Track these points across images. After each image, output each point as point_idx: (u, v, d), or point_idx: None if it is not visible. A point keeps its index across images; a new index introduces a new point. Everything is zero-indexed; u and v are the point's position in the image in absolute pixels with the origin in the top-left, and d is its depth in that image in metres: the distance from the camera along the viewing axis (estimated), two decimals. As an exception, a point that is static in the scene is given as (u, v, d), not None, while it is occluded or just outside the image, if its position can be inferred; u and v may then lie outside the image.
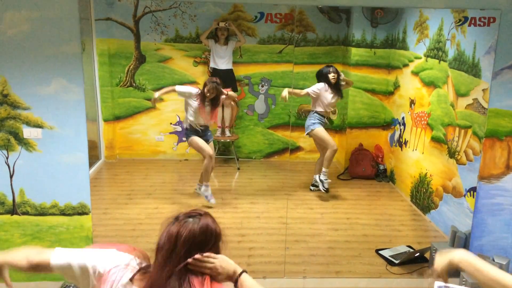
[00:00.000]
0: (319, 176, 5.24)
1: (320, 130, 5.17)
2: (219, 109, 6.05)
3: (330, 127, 5.42)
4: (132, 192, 5.31)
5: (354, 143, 6.04)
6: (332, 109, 5.28)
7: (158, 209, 4.82)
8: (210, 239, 1.53)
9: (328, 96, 5.09)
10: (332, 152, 5.12)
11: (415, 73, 5.22)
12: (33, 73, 3.19)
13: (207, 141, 4.87)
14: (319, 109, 5.15)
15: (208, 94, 4.66)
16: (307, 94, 5.11)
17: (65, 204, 3.41)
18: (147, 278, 1.49)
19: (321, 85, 5.10)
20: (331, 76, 5.07)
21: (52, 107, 3.25)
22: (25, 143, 3.30)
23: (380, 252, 4.14)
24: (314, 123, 5.16)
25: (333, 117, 6.50)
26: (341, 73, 5.26)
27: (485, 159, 3.56)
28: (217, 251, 1.59)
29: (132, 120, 6.34)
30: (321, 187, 5.21)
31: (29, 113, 3.26)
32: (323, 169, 5.19)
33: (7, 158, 3.33)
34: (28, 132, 3.28)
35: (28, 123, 3.27)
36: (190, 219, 1.51)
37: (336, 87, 5.13)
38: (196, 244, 1.49)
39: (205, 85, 4.72)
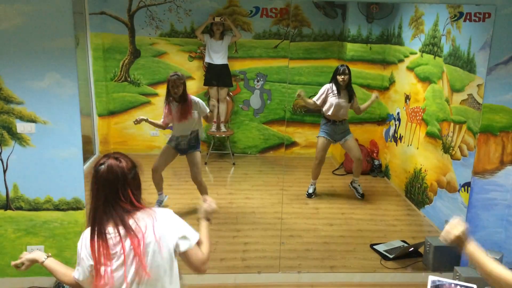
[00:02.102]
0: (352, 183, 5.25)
1: (319, 141, 5.01)
2: (215, 104, 6.04)
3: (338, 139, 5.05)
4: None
5: (349, 139, 6.05)
6: (342, 113, 4.88)
7: (152, 204, 4.81)
8: (118, 176, 1.84)
9: (332, 99, 4.83)
10: (315, 164, 5.08)
11: (410, 69, 5.22)
12: (26, 68, 3.17)
13: (186, 151, 4.46)
14: (326, 113, 4.91)
15: (176, 90, 4.20)
16: (314, 103, 4.89)
17: (59, 199, 3.39)
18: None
19: (326, 86, 4.89)
20: (339, 78, 4.80)
21: (46, 101, 3.22)
22: (18, 138, 3.28)
23: (375, 247, 4.16)
24: (320, 131, 5.02)
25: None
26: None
27: (479, 154, 3.58)
28: (135, 179, 1.90)
29: (127, 115, 6.31)
30: (357, 194, 5.21)
31: (23, 107, 3.23)
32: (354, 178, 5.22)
33: (0, 153, 3.30)
34: (21, 127, 3.25)
35: (22, 118, 3.25)
36: (101, 167, 1.86)
37: (347, 89, 4.86)
38: (110, 183, 1.84)
39: (168, 83, 4.27)
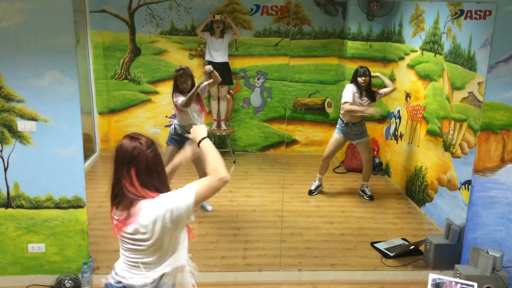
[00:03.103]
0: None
1: (333, 137, 5.03)
2: (215, 102, 6.04)
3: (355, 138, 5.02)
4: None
5: (350, 137, 6.04)
6: (356, 119, 4.87)
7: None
8: (125, 154, 1.93)
9: (357, 101, 4.79)
10: (322, 158, 5.08)
11: (411, 66, 5.21)
12: (27, 66, 3.17)
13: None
14: (344, 114, 4.88)
15: (185, 85, 4.28)
16: (349, 104, 4.76)
17: (60, 197, 3.40)
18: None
19: (351, 87, 4.82)
20: (360, 79, 4.77)
21: (46, 100, 3.22)
22: (19, 136, 3.28)
23: (375, 245, 4.16)
24: (336, 129, 5.02)
25: (329, 110, 6.50)
26: (378, 74, 4.99)
27: (480, 152, 3.57)
28: (146, 161, 1.94)
29: (127, 113, 6.31)
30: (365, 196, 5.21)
31: (23, 105, 3.23)
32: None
33: (1, 151, 3.30)
34: (22, 125, 3.25)
35: (22, 116, 3.25)
36: (117, 146, 1.97)
37: (367, 91, 4.83)
38: (120, 159, 1.95)
39: (175, 78, 4.35)
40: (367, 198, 5.15)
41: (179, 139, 4.41)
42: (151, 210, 1.91)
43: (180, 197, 1.91)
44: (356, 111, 4.78)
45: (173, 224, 1.91)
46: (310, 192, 5.20)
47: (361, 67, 4.84)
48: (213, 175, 1.94)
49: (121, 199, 1.94)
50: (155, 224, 1.90)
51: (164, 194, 1.95)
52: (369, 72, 4.81)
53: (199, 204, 1.97)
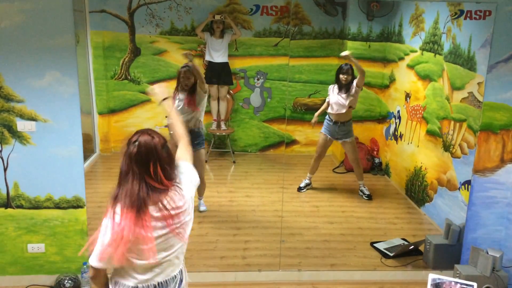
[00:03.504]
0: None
1: (320, 137, 5.17)
2: (215, 102, 6.04)
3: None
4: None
5: (350, 137, 6.04)
6: (343, 111, 4.96)
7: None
8: (150, 149, 1.90)
9: (334, 96, 4.98)
10: (314, 157, 5.19)
11: (411, 67, 5.22)
12: (27, 66, 3.17)
13: (194, 148, 4.42)
14: (329, 110, 5.06)
15: (186, 82, 4.28)
16: (328, 104, 5.05)
17: (59, 197, 3.40)
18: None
19: (331, 86, 5.07)
20: (342, 76, 4.91)
21: (46, 100, 3.22)
22: (19, 136, 3.28)
23: (375, 245, 4.16)
24: (323, 127, 5.15)
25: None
26: (346, 53, 4.91)
27: (479, 152, 3.57)
28: (167, 154, 1.97)
29: (127, 113, 6.31)
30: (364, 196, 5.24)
31: (23, 106, 3.23)
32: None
33: (0, 151, 3.30)
34: (22, 125, 3.25)
35: (22, 116, 3.25)
36: (135, 143, 1.93)
37: (346, 86, 4.91)
38: (143, 158, 1.90)
39: (178, 74, 4.39)
40: (366, 198, 5.16)
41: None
42: (184, 190, 2.00)
43: (193, 173, 2.12)
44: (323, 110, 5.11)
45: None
46: (299, 189, 5.26)
47: (346, 64, 4.93)
48: (184, 139, 2.26)
49: (152, 197, 1.89)
50: (191, 200, 2.04)
51: (183, 175, 2.06)
52: (352, 70, 4.90)
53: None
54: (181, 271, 2.11)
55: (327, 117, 5.11)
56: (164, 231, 1.93)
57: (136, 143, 1.90)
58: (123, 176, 1.94)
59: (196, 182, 2.12)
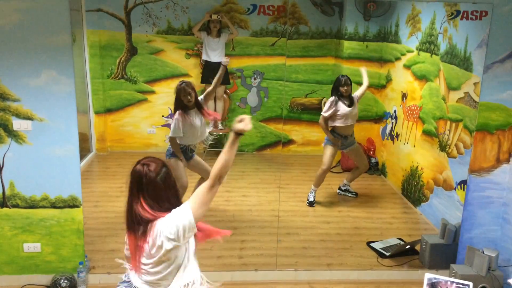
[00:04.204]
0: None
1: (329, 149, 4.87)
2: (211, 102, 6.03)
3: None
4: (124, 185, 5.23)
5: (346, 136, 6.05)
6: (352, 122, 4.81)
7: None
8: (139, 178, 2.02)
9: (342, 109, 4.72)
10: (321, 171, 4.92)
11: (407, 67, 5.23)
12: (23, 65, 3.15)
13: (191, 158, 4.35)
14: (336, 124, 4.77)
15: (189, 97, 4.07)
16: (325, 119, 4.76)
17: (55, 197, 3.38)
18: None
19: (331, 100, 4.74)
20: (342, 89, 4.68)
21: (42, 99, 3.21)
22: (14, 135, 3.26)
23: (371, 244, 4.17)
24: (326, 140, 4.90)
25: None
26: (362, 70, 4.94)
27: (475, 152, 3.59)
28: (157, 186, 2.02)
29: (124, 112, 6.30)
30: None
31: (19, 105, 3.22)
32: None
33: (-4, 151, 3.29)
34: (18, 124, 3.24)
35: (18, 115, 3.23)
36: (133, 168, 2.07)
37: (348, 97, 4.74)
38: (135, 182, 2.03)
39: (178, 92, 4.09)
40: (354, 196, 5.19)
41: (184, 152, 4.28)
42: (170, 222, 1.98)
43: (185, 213, 1.99)
44: (324, 130, 4.85)
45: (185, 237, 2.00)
46: (311, 204, 4.99)
47: (342, 75, 4.75)
48: (210, 184, 2.02)
49: (138, 223, 2.01)
50: (178, 231, 1.97)
51: (176, 209, 2.02)
52: (350, 81, 4.73)
53: (203, 213, 2.03)
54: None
55: (335, 133, 4.83)
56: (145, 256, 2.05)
57: (132, 170, 2.05)
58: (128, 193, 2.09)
59: (182, 226, 1.98)
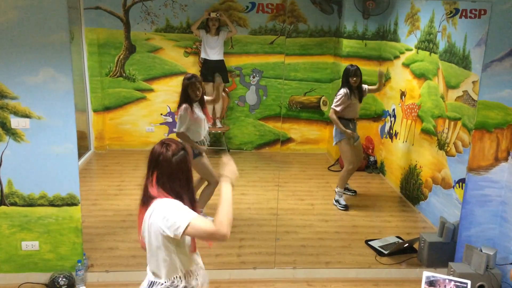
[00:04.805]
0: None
1: (346, 144, 4.74)
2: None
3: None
4: (122, 183, 5.28)
5: (345, 135, 6.05)
6: (356, 115, 4.78)
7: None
8: (154, 157, 2.05)
9: (348, 101, 4.67)
10: (350, 169, 4.78)
11: (406, 65, 5.23)
12: (21, 63, 3.14)
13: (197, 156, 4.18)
14: (346, 116, 4.70)
15: (197, 93, 4.01)
16: (336, 113, 4.64)
17: (54, 195, 3.38)
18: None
19: (342, 92, 4.65)
20: (351, 80, 4.62)
21: (40, 97, 3.20)
22: (12, 133, 3.26)
23: (370, 242, 4.17)
24: (339, 134, 4.73)
25: (324, 109, 6.51)
26: (379, 72, 4.82)
27: (474, 150, 3.59)
28: (172, 166, 2.03)
29: (122, 110, 6.29)
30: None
31: (17, 102, 3.21)
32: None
33: (-6, 149, 3.28)
34: (16, 122, 3.23)
35: (16, 113, 3.23)
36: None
37: (358, 88, 4.69)
38: (152, 160, 2.05)
39: (187, 87, 4.01)
40: (353, 194, 5.17)
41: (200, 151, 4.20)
42: (167, 207, 1.99)
43: (177, 217, 1.96)
44: (336, 124, 4.69)
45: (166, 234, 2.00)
46: (346, 207, 4.86)
47: (352, 65, 4.68)
48: (217, 226, 1.95)
49: (147, 200, 2.05)
50: (165, 219, 1.98)
51: (183, 205, 2.02)
52: (360, 71, 4.68)
53: (185, 236, 2.00)
54: (152, 283, 2.09)
55: (343, 120, 4.73)
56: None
57: (152, 149, 2.08)
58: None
59: (171, 227, 1.95)
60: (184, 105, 4.00)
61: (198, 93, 4.01)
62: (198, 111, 4.08)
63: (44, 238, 3.46)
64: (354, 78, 4.63)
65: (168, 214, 1.96)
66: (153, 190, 2.02)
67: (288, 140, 6.58)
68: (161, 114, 6.35)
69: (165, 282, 2.06)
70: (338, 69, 6.04)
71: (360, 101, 4.83)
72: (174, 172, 2.03)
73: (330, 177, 5.77)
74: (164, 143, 2.07)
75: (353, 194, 5.22)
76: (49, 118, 3.24)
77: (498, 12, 3.36)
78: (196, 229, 1.93)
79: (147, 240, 2.06)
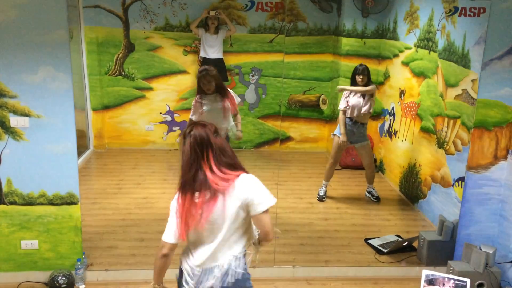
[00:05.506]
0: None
1: (335, 140, 4.86)
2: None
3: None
4: (122, 182, 5.28)
5: (344, 133, 6.05)
6: (361, 114, 4.74)
7: (147, 199, 4.80)
8: (203, 139, 2.08)
9: (352, 99, 4.73)
10: (330, 163, 4.92)
11: (405, 64, 5.23)
12: (20, 61, 3.14)
13: None
14: (347, 114, 4.77)
15: (208, 87, 4.06)
16: (341, 111, 4.77)
17: (53, 193, 3.38)
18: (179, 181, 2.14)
19: (346, 91, 4.78)
20: (358, 78, 4.68)
21: (39, 95, 3.20)
22: (12, 132, 3.25)
23: (369, 241, 4.18)
24: (336, 130, 4.88)
25: (324, 107, 6.51)
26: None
27: (473, 149, 3.59)
28: (220, 141, 2.12)
29: (121, 109, 6.29)
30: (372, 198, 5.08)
31: (16, 101, 3.21)
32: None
33: (-7, 147, 3.28)
34: (15, 121, 3.23)
35: (15, 112, 3.22)
36: (191, 133, 2.10)
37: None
38: (199, 144, 2.08)
39: (198, 80, 4.14)
40: (374, 200, 5.07)
41: None
42: (247, 184, 2.11)
43: (264, 195, 2.15)
44: (339, 122, 4.81)
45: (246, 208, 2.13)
46: (321, 198, 5.00)
47: (361, 65, 4.72)
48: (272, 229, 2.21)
49: (203, 183, 2.08)
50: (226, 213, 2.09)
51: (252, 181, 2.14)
52: (368, 71, 4.70)
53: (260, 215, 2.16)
54: (223, 265, 2.25)
55: (346, 119, 4.79)
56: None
57: (192, 133, 2.09)
58: (185, 165, 2.12)
59: (247, 200, 2.11)
60: (196, 96, 4.18)
61: (209, 86, 4.09)
62: (210, 103, 4.14)
63: (44, 237, 3.46)
64: (361, 77, 4.67)
65: (261, 188, 2.13)
66: (217, 176, 2.06)
67: (288, 138, 6.58)
68: (161, 113, 6.35)
69: (245, 250, 2.31)
70: (337, 67, 6.04)
71: (367, 99, 4.75)
72: (227, 147, 2.14)
73: (329, 175, 5.77)
74: (200, 125, 2.12)
75: (375, 200, 5.07)
76: (48, 116, 3.24)
77: (498, 10, 3.37)
78: (268, 216, 2.14)
79: (222, 222, 2.10)
